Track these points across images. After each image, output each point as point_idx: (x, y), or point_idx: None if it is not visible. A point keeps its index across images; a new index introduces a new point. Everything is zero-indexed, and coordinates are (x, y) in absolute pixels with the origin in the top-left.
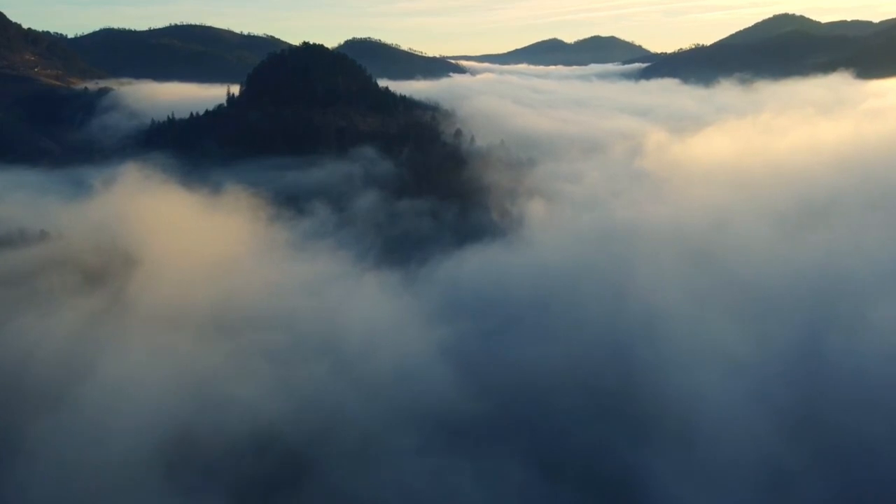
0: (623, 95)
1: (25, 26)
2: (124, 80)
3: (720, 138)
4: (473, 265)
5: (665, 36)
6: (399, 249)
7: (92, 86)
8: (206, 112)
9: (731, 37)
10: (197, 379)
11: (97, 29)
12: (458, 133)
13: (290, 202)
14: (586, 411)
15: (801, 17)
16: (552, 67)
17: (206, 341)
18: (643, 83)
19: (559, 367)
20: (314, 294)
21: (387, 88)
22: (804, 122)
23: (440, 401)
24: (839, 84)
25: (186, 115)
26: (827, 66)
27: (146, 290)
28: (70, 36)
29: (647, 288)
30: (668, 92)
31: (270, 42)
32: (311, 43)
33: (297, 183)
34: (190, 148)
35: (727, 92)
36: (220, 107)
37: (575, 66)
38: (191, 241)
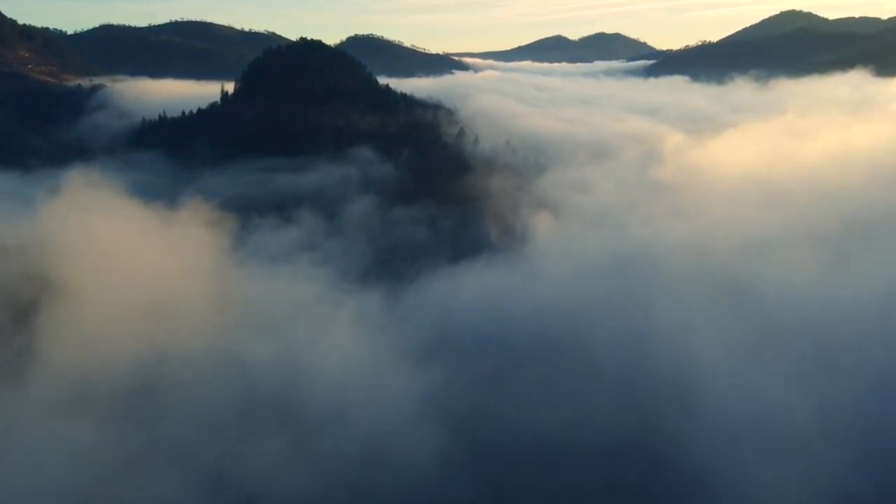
0: (631, 93)
1: (27, 23)
2: (119, 77)
3: (742, 142)
4: (469, 290)
5: (670, 33)
6: (389, 264)
7: (86, 83)
8: (199, 110)
9: (738, 33)
10: (106, 469)
11: (97, 25)
12: (461, 133)
13: (277, 209)
14: (605, 492)
15: (809, 14)
16: (556, 65)
17: (124, 413)
18: (651, 81)
19: (570, 432)
20: (277, 333)
21: (387, 86)
22: (832, 124)
23: (422, 482)
24: (860, 82)
25: (178, 114)
26: (844, 64)
27: (60, 338)
28: (70, 32)
29: (672, 330)
30: (677, 90)
31: (272, 39)
32: (309, 39)
33: (289, 187)
34: (181, 148)
35: (741, 90)
36: (213, 105)
37: (579, 64)
38: (134, 268)
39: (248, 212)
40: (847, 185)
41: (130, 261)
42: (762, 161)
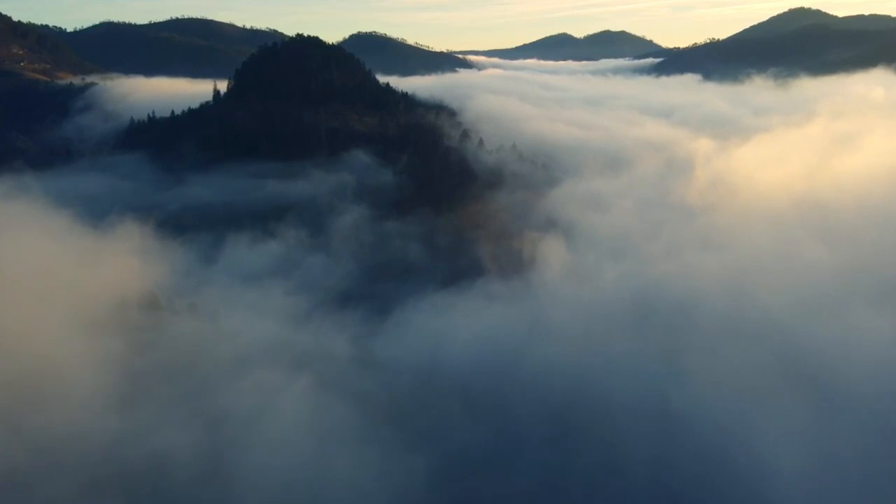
0: (642, 93)
1: (24, 20)
2: (113, 74)
3: (776, 150)
4: (462, 333)
5: (675, 31)
6: (374, 286)
7: (78, 81)
8: (189, 111)
9: (747, 31)
10: None
11: (97, 23)
12: (465, 136)
13: (259, 221)
14: None
15: (818, 11)
16: (562, 63)
17: None
18: (663, 79)
19: None
20: (206, 407)
21: (387, 85)
22: (875, 129)
23: None
24: (889, 81)
25: (168, 114)
26: (862, 62)
27: None
28: (69, 30)
29: (711, 400)
30: (691, 89)
31: (273, 36)
32: (306, 35)
33: (276, 195)
34: (168, 150)
35: (760, 90)
36: (204, 105)
37: (585, 62)
38: (22, 315)
39: (224, 224)
40: None
41: (23, 303)
42: (804, 175)
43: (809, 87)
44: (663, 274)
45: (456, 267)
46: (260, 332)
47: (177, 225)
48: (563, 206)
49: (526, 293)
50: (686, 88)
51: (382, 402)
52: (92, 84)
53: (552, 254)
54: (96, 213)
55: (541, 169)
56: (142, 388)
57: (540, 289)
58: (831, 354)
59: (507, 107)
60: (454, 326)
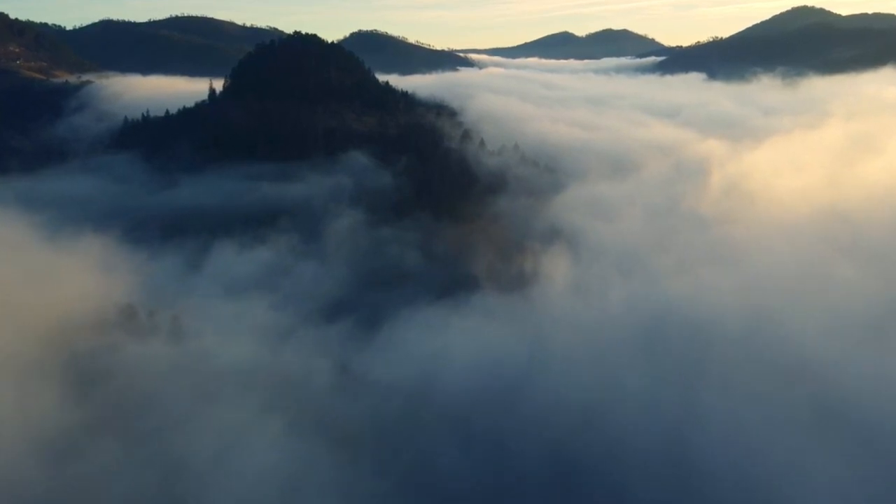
0: (646, 92)
1: (22, 18)
2: (110, 73)
3: (792, 153)
4: (455, 356)
5: (677, 29)
6: (366, 295)
7: (74, 79)
8: (184, 109)
9: (750, 29)
10: None
11: (96, 21)
12: (465, 136)
13: (251, 225)
14: None
15: (821, 10)
16: (564, 61)
17: None
18: (667, 78)
19: None
20: (161, 452)
21: (387, 83)
22: (894, 130)
23: None
24: None
25: (163, 113)
26: (869, 60)
27: None
28: (68, 28)
29: (738, 454)
30: (696, 88)
31: (274, 34)
32: (304, 33)
33: (271, 198)
34: (162, 150)
35: (767, 89)
36: (199, 104)
37: (587, 60)
38: None
39: (214, 229)
40: None
41: None
42: (824, 181)
43: (818, 87)
44: (675, 293)
45: (454, 276)
46: (234, 356)
47: (163, 229)
48: (568, 213)
49: (527, 310)
50: (691, 87)
51: (366, 438)
52: (87, 83)
53: (555, 267)
54: (77, 218)
55: (544, 171)
56: (90, 430)
57: (542, 306)
58: (867, 389)
59: (508, 106)
60: (448, 347)
